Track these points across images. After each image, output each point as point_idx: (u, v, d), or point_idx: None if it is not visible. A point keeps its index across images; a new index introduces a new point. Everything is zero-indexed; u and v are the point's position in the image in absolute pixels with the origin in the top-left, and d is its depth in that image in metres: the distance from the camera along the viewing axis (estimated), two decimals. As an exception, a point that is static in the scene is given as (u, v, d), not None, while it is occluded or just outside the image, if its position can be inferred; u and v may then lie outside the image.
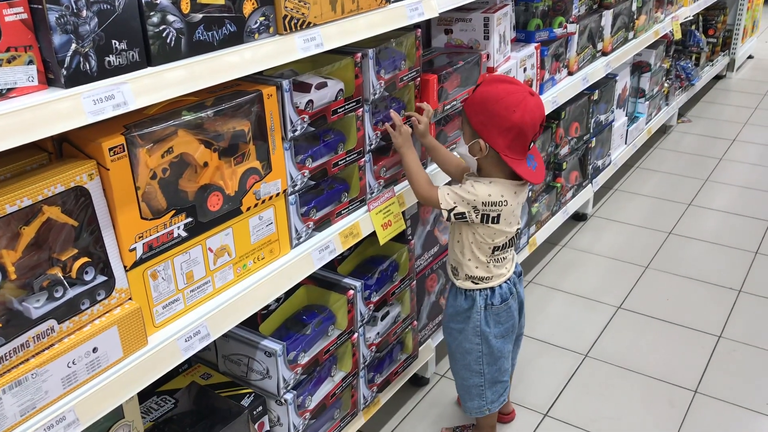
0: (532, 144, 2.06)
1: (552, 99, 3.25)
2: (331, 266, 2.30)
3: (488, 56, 2.75)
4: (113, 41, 1.36)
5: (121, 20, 1.37)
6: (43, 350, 1.41)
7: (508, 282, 2.18)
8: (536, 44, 3.15)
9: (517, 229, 2.15)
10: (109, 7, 1.34)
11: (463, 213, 2.06)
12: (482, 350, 2.16)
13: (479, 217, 2.05)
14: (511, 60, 2.95)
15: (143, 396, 1.97)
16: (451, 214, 2.08)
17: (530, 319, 3.16)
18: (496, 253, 2.13)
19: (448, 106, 2.54)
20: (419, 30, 2.33)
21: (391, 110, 2.24)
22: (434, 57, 2.75)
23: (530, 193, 3.30)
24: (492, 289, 2.14)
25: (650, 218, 4.12)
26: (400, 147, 2.22)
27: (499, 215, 2.05)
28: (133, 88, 1.39)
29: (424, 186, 2.15)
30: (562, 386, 2.82)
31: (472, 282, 2.14)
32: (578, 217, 4.09)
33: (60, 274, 1.45)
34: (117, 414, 1.68)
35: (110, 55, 1.36)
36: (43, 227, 1.42)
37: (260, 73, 1.85)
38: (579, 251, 3.82)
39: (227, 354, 2.06)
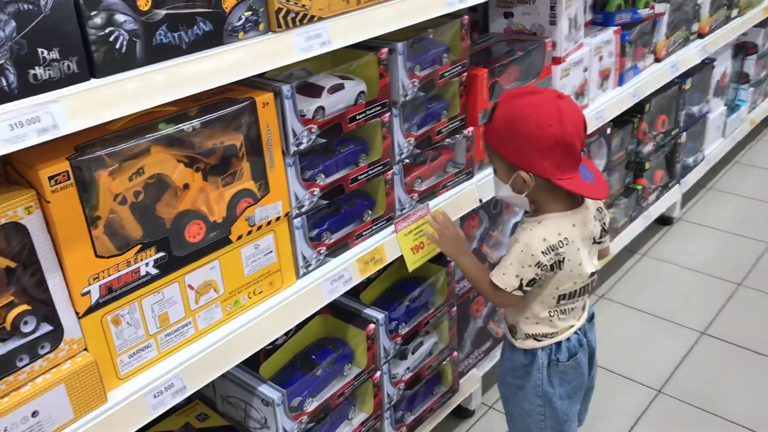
0: (582, 153, 1.66)
1: (633, 91, 2.81)
2: (354, 291, 1.99)
3: (554, 44, 2.35)
4: (40, 50, 1.09)
5: (51, 23, 1.09)
6: (-34, 418, 1.19)
7: (578, 332, 1.79)
8: (616, 28, 2.71)
9: (592, 273, 1.74)
10: (31, 7, 1.07)
11: (533, 278, 1.67)
12: (545, 413, 1.79)
13: (548, 269, 1.66)
14: (583, 47, 2.53)
15: (131, 437, 1.75)
16: (525, 288, 1.68)
17: (597, 342, 2.77)
18: (562, 302, 1.74)
19: (488, 113, 2.17)
20: (466, 17, 1.97)
21: (432, 216, 1.92)
22: (492, 45, 2.38)
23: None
24: (558, 343, 1.77)
25: (747, 224, 3.60)
26: (450, 254, 1.89)
27: (563, 258, 1.67)
28: (67, 107, 1.12)
29: (487, 286, 1.75)
30: (627, 428, 2.44)
31: (534, 339, 1.77)
32: (663, 221, 3.62)
33: (-10, 327, 1.22)
34: (74, 478, 1.45)
35: (36, 68, 1.09)
36: (-33, 272, 1.18)
37: (262, 74, 1.56)
38: (661, 261, 3.37)
39: (225, 395, 1.81)
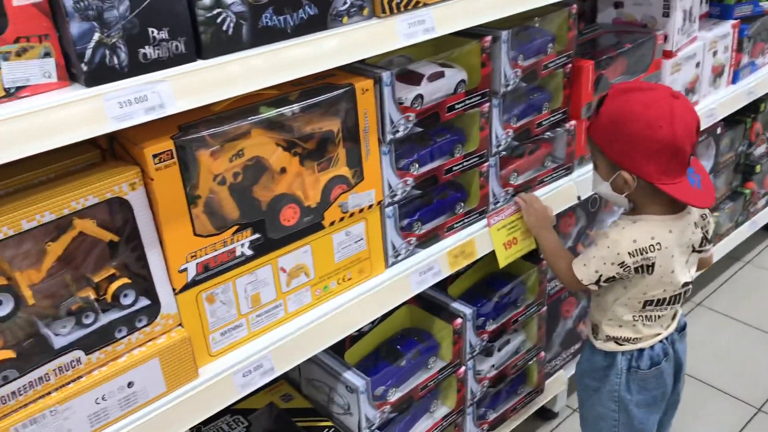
0: (691, 156, 1.56)
1: (748, 89, 2.64)
2: (441, 284, 1.96)
3: (666, 37, 2.23)
4: (150, 29, 1.11)
5: (161, 3, 1.11)
6: (67, 384, 1.23)
7: (664, 342, 1.70)
8: (734, 21, 2.55)
9: (685, 283, 1.65)
10: (144, -14, 1.08)
11: (613, 276, 1.61)
12: (618, 419, 1.72)
13: (632, 271, 1.60)
14: (697, 42, 2.39)
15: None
16: (601, 283, 1.63)
17: (692, 352, 2.62)
18: (648, 308, 1.65)
19: (595, 106, 2.08)
20: (574, 6, 1.89)
21: (519, 195, 1.89)
22: (598, 36, 2.28)
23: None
24: (640, 350, 1.69)
25: None
26: (533, 227, 1.86)
27: (653, 263, 1.58)
28: (173, 87, 1.13)
29: (565, 270, 1.71)
30: (722, 446, 2.32)
31: (615, 342, 1.70)
32: (771, 228, 3.41)
33: (92, 297, 1.26)
34: (163, 448, 1.49)
35: (146, 47, 1.11)
36: (74, 243, 1.22)
37: (361, 60, 1.54)
38: (766, 271, 3.17)
39: (310, 377, 1.82)
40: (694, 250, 1.66)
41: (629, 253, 1.57)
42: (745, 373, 2.60)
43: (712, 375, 2.59)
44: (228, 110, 1.37)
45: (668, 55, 2.26)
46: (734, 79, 2.65)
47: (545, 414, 2.45)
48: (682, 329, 1.75)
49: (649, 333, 1.68)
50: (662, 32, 2.20)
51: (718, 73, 2.54)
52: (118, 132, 1.17)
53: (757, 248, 3.32)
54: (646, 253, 1.57)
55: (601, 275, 1.61)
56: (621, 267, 1.59)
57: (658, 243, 1.57)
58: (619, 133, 1.52)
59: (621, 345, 1.69)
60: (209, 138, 1.29)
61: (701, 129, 1.60)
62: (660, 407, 1.76)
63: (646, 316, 1.66)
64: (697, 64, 2.40)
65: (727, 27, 2.51)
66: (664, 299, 1.65)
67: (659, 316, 1.67)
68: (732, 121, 2.80)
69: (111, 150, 1.33)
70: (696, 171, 1.58)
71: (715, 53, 2.48)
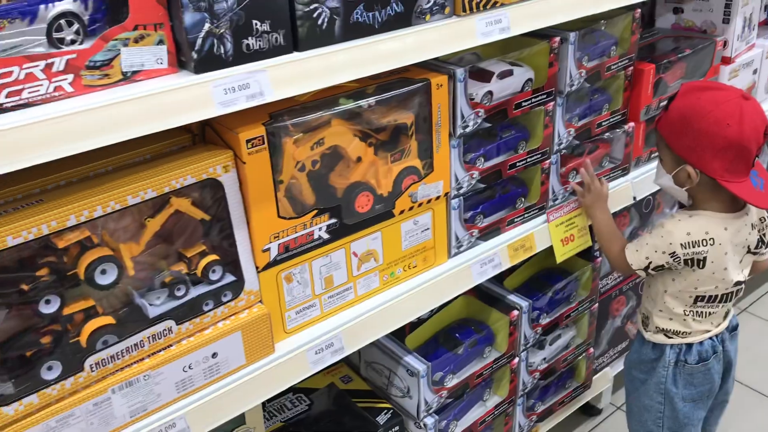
0: (756, 159, 1.60)
1: (804, 97, 2.64)
2: (498, 276, 2.02)
3: (725, 43, 2.26)
4: (254, 21, 1.19)
5: (266, -3, 1.19)
6: (159, 351, 1.32)
7: (714, 339, 1.75)
8: (793, 29, 2.56)
9: (737, 282, 1.69)
10: (252, -18, 1.16)
11: (662, 265, 1.67)
12: (663, 411, 1.77)
13: (681, 262, 1.65)
14: (755, 49, 2.42)
15: (280, 390, 1.87)
16: (650, 271, 1.70)
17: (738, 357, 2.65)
18: (699, 304, 1.70)
19: (665, 102, 2.12)
20: (638, 10, 1.93)
21: (583, 166, 1.92)
22: (657, 40, 2.31)
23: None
24: (689, 344, 1.74)
25: None
26: (588, 207, 1.90)
27: (705, 258, 1.63)
28: (272, 76, 1.21)
29: (616, 251, 1.78)
30: (767, 449, 2.34)
31: (665, 335, 1.75)
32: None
33: (184, 272, 1.34)
34: (238, 419, 1.58)
35: (249, 38, 1.19)
36: (170, 220, 1.31)
37: (435, 57, 1.60)
38: (814, 280, 3.17)
39: (370, 360, 1.89)
40: (749, 251, 1.70)
41: (681, 245, 1.62)
42: (790, 380, 2.62)
43: (757, 380, 2.60)
44: (311, 101, 1.45)
45: (727, 61, 2.29)
46: (791, 87, 2.65)
47: (590, 410, 2.49)
48: (733, 329, 1.79)
49: (698, 328, 1.72)
50: (722, 38, 2.23)
51: (776, 81, 2.55)
52: (212, 118, 1.25)
53: (805, 257, 3.30)
54: (698, 246, 1.62)
55: (650, 262, 1.67)
56: (671, 257, 1.64)
57: (712, 238, 1.62)
58: (688, 128, 1.57)
59: (670, 338, 1.74)
60: (295, 126, 1.37)
61: None
62: (706, 404, 1.80)
63: (696, 312, 1.71)
64: (755, 71, 2.42)
65: (785, 35, 2.53)
66: (716, 296, 1.69)
67: (710, 313, 1.71)
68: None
69: (201, 135, 1.41)
70: (759, 174, 1.61)
71: (773, 61, 2.50)
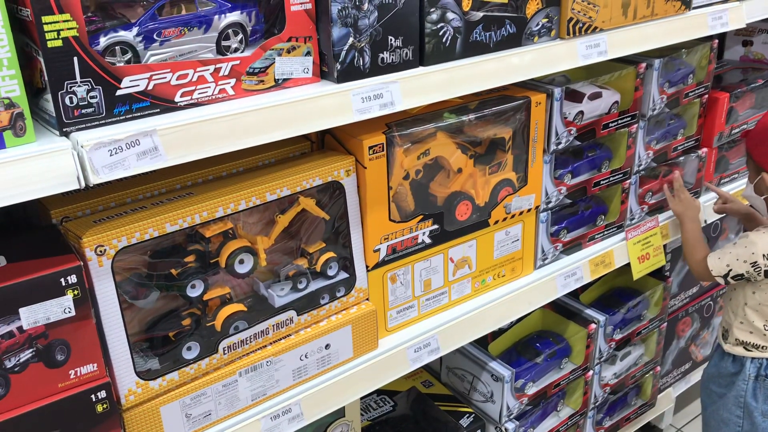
0: None
1: None
2: (572, 292, 2.10)
3: (794, 75, 2.34)
4: (390, 37, 1.30)
5: (401, 15, 1.30)
6: (280, 339, 1.41)
7: None
8: None
9: None
10: (391, 1, 1.27)
11: (742, 274, 1.75)
12: (743, 426, 1.82)
13: (761, 273, 1.73)
14: (821, 82, 2.48)
15: (364, 392, 1.95)
16: (728, 278, 1.78)
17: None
18: None
19: (737, 130, 2.21)
20: (716, 41, 2.03)
21: (675, 173, 2.00)
22: (725, 71, 2.40)
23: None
24: None
25: None
26: (680, 214, 1.99)
27: None
28: (403, 88, 1.32)
29: (698, 259, 1.86)
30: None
31: (744, 348, 1.81)
32: None
33: (306, 266, 1.44)
34: (338, 412, 1.66)
35: (384, 52, 1.30)
36: (297, 218, 1.41)
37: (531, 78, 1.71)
38: None
39: (452, 366, 1.97)
40: None
41: (764, 255, 1.71)
42: None
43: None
44: (420, 114, 1.55)
45: (795, 92, 2.36)
46: None
47: (651, 430, 2.53)
48: (817, 346, 1.84)
49: None
50: (792, 70, 2.31)
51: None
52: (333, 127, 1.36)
53: None
54: None
55: (731, 270, 1.75)
56: (753, 267, 1.72)
57: None
58: (766, 138, 1.66)
59: (749, 351, 1.80)
60: (407, 136, 1.47)
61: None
62: (787, 421, 1.85)
63: None
64: (821, 104, 2.49)
65: None
66: None
67: None
68: None
69: (320, 143, 1.52)
70: None
71: (837, 94, 2.56)
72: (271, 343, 1.40)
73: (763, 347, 1.78)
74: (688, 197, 1.97)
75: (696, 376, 2.52)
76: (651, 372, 2.27)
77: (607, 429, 2.22)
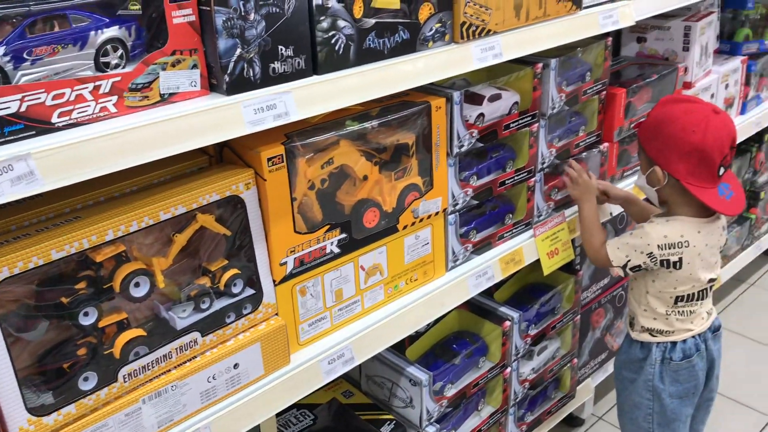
0: (724, 170, 1.75)
1: (755, 120, 2.85)
2: (487, 291, 2.12)
3: (686, 70, 2.44)
4: (280, 47, 1.28)
5: (290, 25, 1.28)
6: (185, 362, 1.37)
7: (697, 338, 1.88)
8: (743, 57, 2.77)
9: (711, 279, 1.85)
10: (278, 10, 1.25)
11: (639, 265, 1.81)
12: (653, 408, 1.89)
13: (657, 263, 1.79)
14: (711, 75, 2.61)
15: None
16: (627, 270, 1.83)
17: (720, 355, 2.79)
18: (679, 304, 1.84)
19: (635, 124, 2.28)
20: (610, 39, 2.09)
21: (569, 162, 2.03)
22: (623, 68, 2.48)
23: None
24: (673, 342, 1.86)
25: None
26: (577, 198, 2.02)
27: (680, 259, 1.77)
28: (297, 97, 1.30)
29: (596, 245, 1.91)
30: (740, 450, 2.47)
31: (650, 334, 1.88)
32: (772, 252, 3.61)
33: (208, 285, 1.40)
34: (253, 430, 1.62)
35: (275, 62, 1.28)
36: (195, 235, 1.37)
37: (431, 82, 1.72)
38: (770, 292, 3.36)
39: (371, 374, 1.95)
40: (721, 251, 1.85)
41: (658, 246, 1.77)
42: (757, 384, 2.77)
43: (728, 387, 2.74)
44: (321, 123, 1.53)
45: (688, 85, 2.47)
46: (742, 111, 2.86)
47: (572, 421, 2.59)
48: (716, 330, 1.92)
49: (681, 327, 1.85)
50: (683, 65, 2.41)
51: (729, 104, 2.75)
52: (231, 139, 1.33)
53: (761, 271, 3.51)
54: (674, 248, 1.77)
55: (629, 260, 1.81)
56: (649, 257, 1.78)
57: (687, 241, 1.76)
58: (659, 132, 1.74)
59: (654, 336, 1.86)
60: (308, 146, 1.45)
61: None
62: (692, 401, 1.92)
63: (678, 311, 1.84)
64: (712, 95, 2.61)
65: (736, 62, 2.73)
66: (693, 294, 1.84)
67: (691, 312, 1.85)
68: (739, 149, 3.01)
69: (218, 156, 1.49)
70: (732, 187, 1.76)
71: (726, 86, 2.69)
72: (175, 367, 1.36)
73: (666, 332, 1.85)
74: (586, 180, 2.01)
75: (612, 365, 2.59)
76: (568, 364, 2.32)
77: (529, 424, 2.25)
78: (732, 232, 3.12)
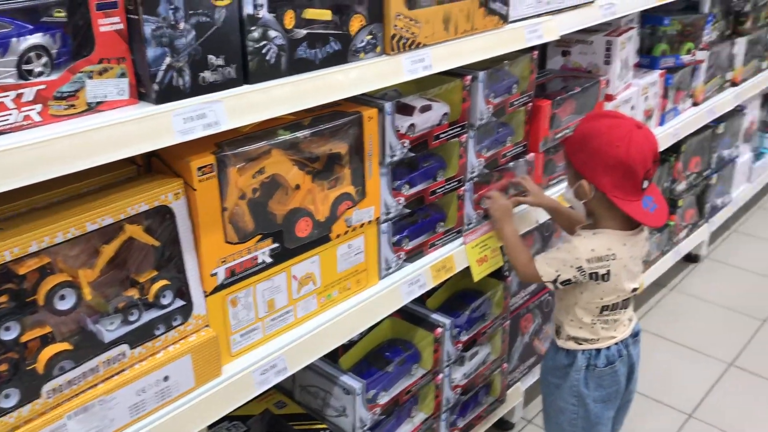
0: (648, 183, 1.83)
1: (673, 131, 2.99)
2: (419, 298, 2.14)
3: (608, 82, 2.54)
4: (210, 56, 1.27)
5: (221, 34, 1.28)
6: (113, 376, 1.34)
7: (619, 344, 1.94)
8: (661, 71, 2.91)
9: (634, 288, 1.92)
10: (208, 19, 1.25)
11: (569, 279, 1.86)
12: (578, 413, 1.95)
13: (587, 276, 1.85)
14: (632, 87, 2.72)
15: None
16: (558, 284, 1.88)
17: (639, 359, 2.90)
18: (605, 313, 1.90)
19: (560, 135, 2.36)
20: (536, 52, 2.16)
21: (488, 192, 2.09)
22: (548, 81, 2.57)
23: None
24: (597, 349, 1.92)
25: (771, 266, 3.76)
26: (496, 221, 2.07)
27: (608, 271, 1.83)
28: (227, 107, 1.29)
29: (524, 261, 1.95)
30: (661, 448, 2.57)
31: (575, 342, 1.94)
32: (690, 258, 3.77)
33: (137, 297, 1.38)
34: (184, 444, 1.59)
35: (205, 71, 1.27)
36: (123, 246, 1.35)
37: (363, 93, 1.74)
38: (689, 296, 3.52)
39: (305, 384, 1.95)
40: (644, 261, 1.93)
41: (587, 260, 1.82)
42: (676, 385, 2.89)
43: (647, 387, 2.86)
44: (252, 132, 1.53)
45: (609, 98, 2.57)
46: (661, 122, 3.00)
47: (503, 425, 2.64)
48: (636, 335, 2.00)
49: (606, 335, 1.92)
50: (605, 78, 2.51)
51: (648, 116, 2.88)
52: (159, 149, 1.31)
53: (680, 276, 3.67)
54: (602, 261, 1.82)
55: (559, 275, 1.86)
56: (578, 271, 1.83)
57: (614, 254, 1.83)
58: (584, 146, 1.79)
59: (580, 344, 1.92)
60: (239, 155, 1.45)
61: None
62: (615, 404, 2.00)
63: (603, 320, 1.91)
64: (633, 107, 2.72)
65: (655, 76, 2.86)
66: (617, 303, 1.90)
67: (615, 320, 1.92)
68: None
69: (146, 166, 1.46)
70: (655, 200, 1.84)
71: (646, 98, 2.81)
72: (102, 381, 1.33)
73: (591, 340, 1.91)
74: (504, 203, 2.07)
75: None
76: (499, 369, 2.37)
77: (461, 429, 2.29)
78: (653, 239, 3.26)
